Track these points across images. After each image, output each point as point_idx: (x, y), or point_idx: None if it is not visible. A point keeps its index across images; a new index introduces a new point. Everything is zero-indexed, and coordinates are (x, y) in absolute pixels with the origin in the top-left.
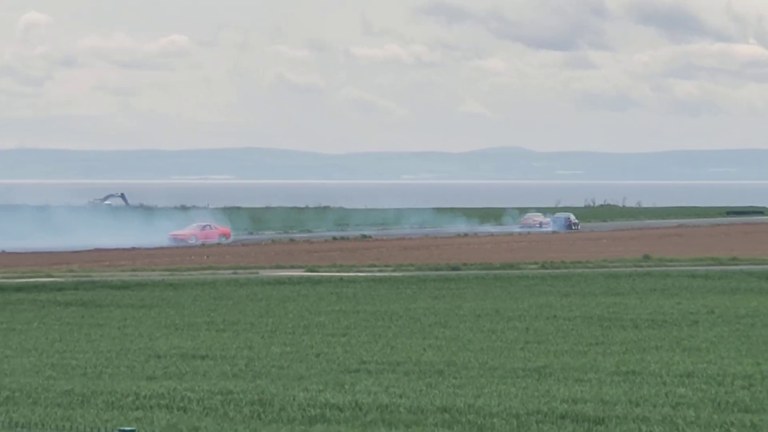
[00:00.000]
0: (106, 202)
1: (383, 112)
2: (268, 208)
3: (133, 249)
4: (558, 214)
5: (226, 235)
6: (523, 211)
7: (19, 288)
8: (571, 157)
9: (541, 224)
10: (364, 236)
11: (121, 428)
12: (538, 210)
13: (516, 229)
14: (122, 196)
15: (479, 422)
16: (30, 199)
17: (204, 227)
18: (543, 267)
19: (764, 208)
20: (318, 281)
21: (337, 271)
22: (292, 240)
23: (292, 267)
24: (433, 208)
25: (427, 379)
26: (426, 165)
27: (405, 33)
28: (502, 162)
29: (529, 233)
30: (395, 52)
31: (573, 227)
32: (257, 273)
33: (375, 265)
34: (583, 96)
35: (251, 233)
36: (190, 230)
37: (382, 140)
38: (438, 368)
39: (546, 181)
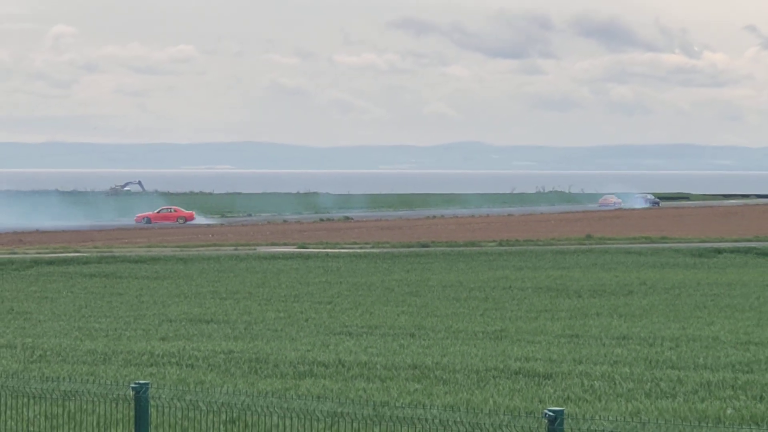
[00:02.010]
0: (126, 188)
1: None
2: (264, 194)
3: (147, 228)
4: (646, 195)
5: (186, 218)
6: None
7: (50, 262)
8: (524, 150)
9: (614, 203)
10: (347, 218)
11: (137, 381)
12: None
13: (595, 207)
14: (139, 183)
15: (445, 377)
16: (60, 185)
17: (161, 210)
18: (500, 245)
19: (689, 194)
20: (307, 257)
21: (324, 248)
22: (285, 221)
23: (285, 244)
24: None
25: (400, 341)
26: (399, 157)
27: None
28: (465, 154)
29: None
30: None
31: (655, 205)
32: (255, 249)
33: (356, 243)
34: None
35: (250, 215)
36: (148, 213)
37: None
38: (409, 331)
39: (503, 171)
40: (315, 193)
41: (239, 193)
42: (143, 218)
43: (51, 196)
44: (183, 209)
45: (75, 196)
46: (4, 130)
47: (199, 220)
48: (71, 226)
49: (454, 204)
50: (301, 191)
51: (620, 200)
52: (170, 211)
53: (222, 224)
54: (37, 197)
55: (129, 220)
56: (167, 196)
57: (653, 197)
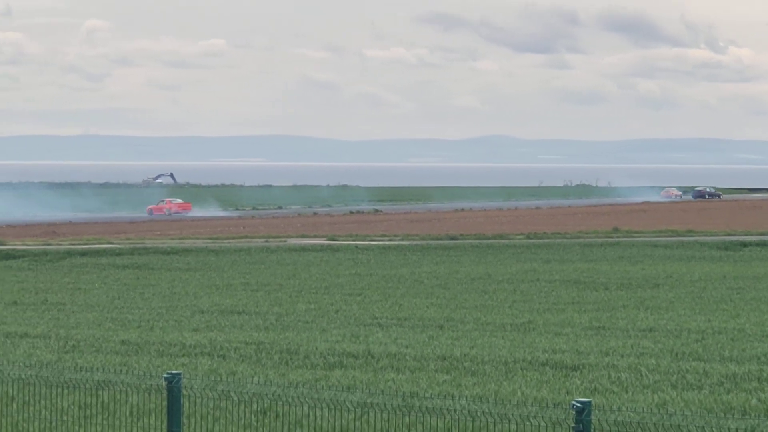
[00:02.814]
0: (158, 180)
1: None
2: (294, 187)
3: (179, 220)
4: (707, 188)
5: (185, 209)
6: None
7: (84, 253)
8: (551, 144)
9: (676, 195)
10: (377, 210)
11: (170, 371)
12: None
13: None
14: (171, 175)
15: (473, 368)
16: (93, 177)
17: (159, 202)
18: (528, 237)
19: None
20: (337, 249)
21: (354, 240)
22: (315, 213)
23: (315, 236)
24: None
25: (429, 332)
26: (428, 150)
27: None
28: (493, 148)
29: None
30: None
31: (715, 197)
32: (285, 241)
33: (386, 235)
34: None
35: (280, 207)
36: (151, 206)
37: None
38: (438, 323)
39: (530, 165)
40: (345, 186)
41: (270, 186)
42: (149, 210)
43: (83, 188)
44: (180, 201)
45: (108, 189)
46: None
47: (196, 212)
48: (104, 218)
49: (482, 197)
50: (331, 184)
51: (680, 192)
52: (162, 203)
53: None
54: (71, 189)
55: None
56: (198, 188)
57: (713, 190)
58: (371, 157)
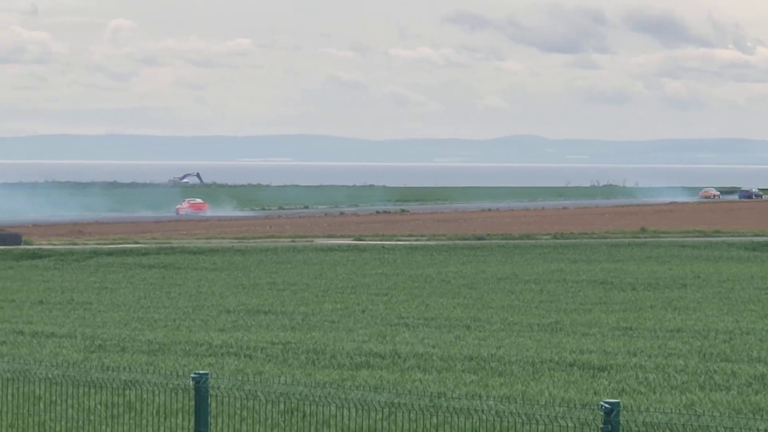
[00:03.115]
0: (184, 180)
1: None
2: (321, 186)
3: (207, 220)
4: (751, 189)
5: (200, 209)
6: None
7: (110, 253)
8: (578, 144)
9: (714, 196)
10: (403, 210)
11: (197, 371)
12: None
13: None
14: (198, 175)
15: (500, 369)
16: (119, 177)
17: (183, 201)
18: (555, 237)
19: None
20: (364, 248)
21: (380, 240)
22: (341, 213)
23: (342, 236)
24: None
25: (456, 332)
26: (454, 150)
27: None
28: (519, 147)
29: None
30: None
31: (757, 197)
32: (312, 241)
33: (412, 235)
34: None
35: (306, 207)
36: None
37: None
38: (465, 323)
39: (557, 165)
40: (372, 186)
41: (296, 186)
42: (177, 210)
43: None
44: (199, 201)
45: (133, 189)
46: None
47: (215, 212)
48: (130, 218)
49: (509, 197)
50: (358, 184)
51: (718, 192)
52: (181, 204)
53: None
54: (97, 188)
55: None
56: (224, 188)
57: (757, 190)
58: (397, 156)
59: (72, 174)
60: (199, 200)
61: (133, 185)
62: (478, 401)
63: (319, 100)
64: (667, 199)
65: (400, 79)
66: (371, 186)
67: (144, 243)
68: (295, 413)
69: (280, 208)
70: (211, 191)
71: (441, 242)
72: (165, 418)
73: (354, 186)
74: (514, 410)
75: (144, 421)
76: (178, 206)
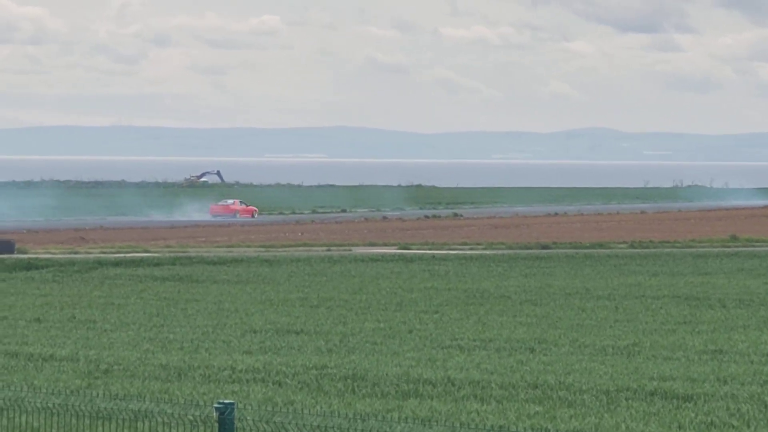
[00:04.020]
0: (202, 179)
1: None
2: (361, 186)
3: (229, 225)
4: None
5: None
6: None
7: (117, 263)
8: (658, 138)
9: None
10: (456, 215)
11: (221, 401)
12: None
13: (741, 203)
14: (218, 173)
15: (569, 398)
16: (127, 175)
17: (218, 203)
18: (632, 246)
19: None
20: (410, 259)
21: (429, 249)
22: (384, 218)
23: (385, 244)
24: (524, 188)
25: (518, 356)
26: (515, 145)
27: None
28: (590, 142)
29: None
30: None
31: None
32: (350, 250)
33: (466, 243)
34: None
35: (344, 211)
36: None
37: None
38: (529, 345)
39: (633, 162)
40: (419, 186)
41: (332, 186)
42: (212, 212)
43: (117, 186)
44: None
45: (144, 188)
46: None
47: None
48: (140, 222)
49: (578, 199)
50: (403, 184)
51: None
52: (226, 203)
53: (336, 220)
54: (104, 188)
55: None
56: (249, 188)
57: None
58: (448, 152)
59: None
60: (230, 202)
61: (142, 185)
62: None
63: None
64: (762, 202)
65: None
66: (418, 186)
67: (156, 252)
68: None
69: (314, 211)
70: (234, 192)
71: (500, 251)
72: None
73: (398, 186)
74: None
75: None
76: (216, 206)
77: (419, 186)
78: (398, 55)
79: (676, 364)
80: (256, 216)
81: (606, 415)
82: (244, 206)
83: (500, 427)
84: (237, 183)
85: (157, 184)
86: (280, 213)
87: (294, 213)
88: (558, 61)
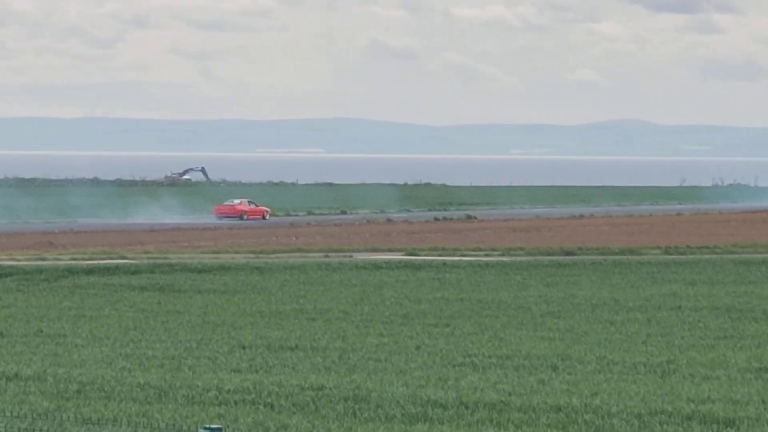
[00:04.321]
0: (185, 176)
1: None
2: (362, 185)
3: (215, 228)
4: None
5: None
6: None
7: (89, 270)
8: (696, 131)
9: None
10: (469, 217)
11: (206, 425)
12: None
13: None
14: (203, 170)
15: (597, 423)
16: (101, 172)
17: (229, 202)
18: (666, 252)
19: None
20: (418, 266)
21: (440, 255)
22: (389, 220)
23: (390, 250)
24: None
25: (539, 375)
26: (537, 139)
27: None
28: (620, 135)
29: None
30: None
31: None
32: (351, 256)
33: (481, 249)
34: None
35: (344, 212)
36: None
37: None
38: (551, 363)
39: (668, 158)
40: (428, 184)
41: (330, 184)
42: (218, 213)
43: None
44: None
45: (121, 187)
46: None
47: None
48: (115, 225)
49: (606, 200)
50: (410, 182)
51: None
52: (233, 203)
53: (336, 223)
54: (74, 188)
55: (189, 218)
56: (238, 186)
57: None
58: (461, 147)
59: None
60: (237, 202)
61: (119, 183)
62: None
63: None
64: None
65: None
66: (427, 185)
67: (133, 258)
68: None
69: (310, 213)
70: (220, 191)
71: (518, 258)
72: None
73: (405, 185)
74: None
75: None
76: (223, 207)
77: (428, 184)
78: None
79: (716, 383)
80: (268, 217)
81: None
82: (253, 206)
83: None
84: (224, 181)
85: (135, 182)
86: (273, 215)
87: (288, 215)
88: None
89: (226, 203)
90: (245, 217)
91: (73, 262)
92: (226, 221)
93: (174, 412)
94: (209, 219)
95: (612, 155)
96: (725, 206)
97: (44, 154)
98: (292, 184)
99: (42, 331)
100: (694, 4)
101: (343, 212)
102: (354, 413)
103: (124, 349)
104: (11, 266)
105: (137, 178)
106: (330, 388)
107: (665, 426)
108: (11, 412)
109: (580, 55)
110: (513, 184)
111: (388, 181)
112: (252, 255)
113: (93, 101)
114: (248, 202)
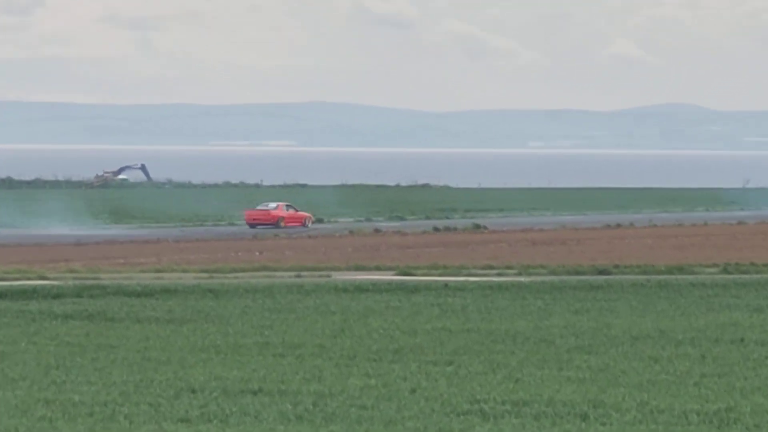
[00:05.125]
0: (121, 176)
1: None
2: (343, 186)
3: (158, 242)
4: None
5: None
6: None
7: (0, 294)
8: (763, 118)
9: None
10: (477, 226)
11: None
12: None
13: None
14: (143, 167)
15: None
16: (15, 171)
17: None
18: (726, 271)
19: None
20: (413, 288)
21: (440, 275)
22: (377, 231)
23: (378, 268)
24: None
25: (566, 425)
26: (562, 128)
27: None
28: (668, 124)
29: None
30: None
31: None
32: (329, 276)
33: (492, 267)
34: None
35: (321, 220)
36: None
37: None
38: (580, 410)
39: (729, 152)
40: (426, 186)
41: (303, 186)
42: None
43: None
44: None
45: (41, 189)
46: None
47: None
48: (33, 238)
49: (650, 205)
50: (404, 183)
51: None
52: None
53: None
54: None
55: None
56: (187, 188)
57: None
58: (468, 139)
59: None
60: (272, 206)
61: (38, 183)
62: None
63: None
64: None
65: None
66: (425, 186)
67: (56, 278)
68: None
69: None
70: (165, 194)
71: (539, 278)
72: None
73: (398, 186)
74: None
75: None
76: (255, 211)
77: (426, 186)
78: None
79: None
80: (309, 224)
81: None
82: (292, 211)
83: None
84: (169, 181)
85: (58, 183)
86: (231, 223)
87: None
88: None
89: (259, 207)
90: (282, 224)
91: None
92: (259, 230)
93: None
94: (150, 230)
95: (657, 149)
96: None
97: None
98: (256, 185)
99: None
100: None
101: (320, 221)
102: None
103: (44, 394)
104: None
105: (61, 178)
106: None
107: None
108: None
109: (617, 26)
110: (532, 186)
111: (376, 182)
112: (204, 274)
113: (3, 82)
114: (286, 206)
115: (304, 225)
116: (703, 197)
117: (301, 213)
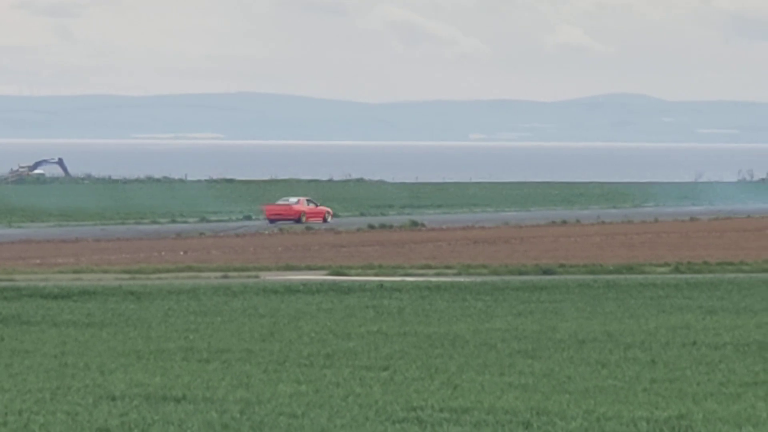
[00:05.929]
0: (37, 170)
1: (439, 42)
2: (273, 181)
3: (78, 240)
4: None
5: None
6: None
7: None
8: (718, 108)
9: None
10: (415, 224)
11: None
12: None
13: None
14: (60, 162)
15: None
16: None
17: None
18: (677, 270)
19: None
20: (347, 289)
21: (375, 275)
22: (308, 229)
23: (309, 268)
24: (517, 183)
25: None
26: (505, 120)
27: None
28: (617, 116)
29: None
30: None
31: None
32: (258, 276)
33: (430, 266)
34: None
35: (249, 217)
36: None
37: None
38: (523, 418)
39: (680, 144)
40: (361, 181)
41: (230, 181)
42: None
43: None
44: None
45: None
46: None
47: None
48: None
49: (598, 201)
50: (336, 177)
51: None
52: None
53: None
54: None
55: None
56: (105, 184)
57: None
58: (405, 131)
59: None
60: (293, 201)
61: None
62: None
63: (271, 35)
64: None
65: None
66: (360, 181)
67: None
68: None
69: (203, 219)
70: (84, 190)
71: (480, 278)
72: None
73: (330, 181)
74: None
75: None
76: (275, 207)
77: (360, 180)
78: None
79: None
80: (329, 219)
81: None
82: (313, 206)
83: None
84: (88, 176)
85: None
86: (154, 221)
87: (174, 221)
88: None
89: (280, 202)
90: (304, 219)
91: None
92: (280, 224)
93: None
94: (67, 229)
95: (605, 141)
96: (755, 208)
97: None
98: (180, 180)
99: None
100: None
101: (248, 218)
102: None
103: None
104: None
105: None
106: None
107: None
108: None
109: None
110: (473, 181)
111: (308, 177)
112: (126, 275)
113: None
114: (307, 200)
115: (324, 220)
116: (653, 193)
117: (321, 208)
